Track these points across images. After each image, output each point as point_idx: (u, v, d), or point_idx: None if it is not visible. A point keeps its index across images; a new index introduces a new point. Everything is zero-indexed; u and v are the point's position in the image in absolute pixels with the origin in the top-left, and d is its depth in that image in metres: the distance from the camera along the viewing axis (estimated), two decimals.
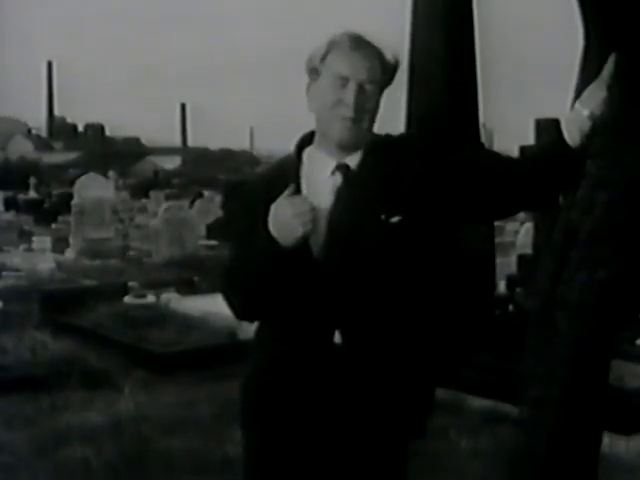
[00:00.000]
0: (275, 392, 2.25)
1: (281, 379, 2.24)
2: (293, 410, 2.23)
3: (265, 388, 2.27)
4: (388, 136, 2.30)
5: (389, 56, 2.23)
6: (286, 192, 2.14)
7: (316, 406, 2.20)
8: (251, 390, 2.32)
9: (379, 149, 2.23)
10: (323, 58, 2.21)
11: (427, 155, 2.22)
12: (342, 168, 2.22)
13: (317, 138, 2.27)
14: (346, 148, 2.21)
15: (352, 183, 2.20)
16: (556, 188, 2.23)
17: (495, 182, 2.20)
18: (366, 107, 2.19)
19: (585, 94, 2.15)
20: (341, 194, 2.20)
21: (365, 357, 2.18)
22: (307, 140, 2.28)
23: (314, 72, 2.23)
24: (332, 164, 2.22)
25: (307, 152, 2.28)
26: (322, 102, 2.21)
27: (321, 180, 2.22)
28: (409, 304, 2.23)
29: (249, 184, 2.39)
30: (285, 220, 2.11)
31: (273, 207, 2.13)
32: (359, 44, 2.20)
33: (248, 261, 2.21)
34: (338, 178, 2.22)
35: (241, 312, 2.33)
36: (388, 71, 2.24)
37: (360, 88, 2.17)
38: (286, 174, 2.24)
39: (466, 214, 2.30)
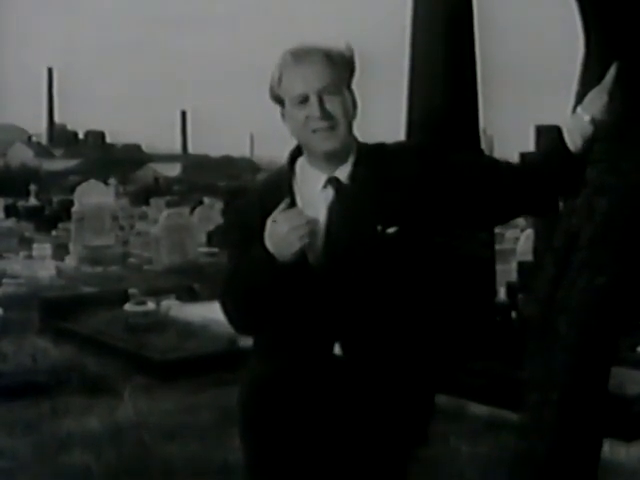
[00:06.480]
0: (275, 404, 2.24)
1: (281, 391, 2.23)
2: (293, 422, 2.23)
3: (264, 401, 2.26)
4: (381, 144, 2.27)
5: (337, 51, 2.20)
6: (281, 206, 2.13)
7: (317, 417, 2.20)
8: (250, 403, 2.31)
9: (371, 159, 2.22)
10: (279, 83, 2.20)
11: (423, 162, 2.20)
12: (333, 182, 2.20)
13: (305, 154, 2.25)
14: (333, 158, 2.20)
15: (344, 197, 2.19)
16: (556, 193, 2.22)
17: (494, 188, 2.19)
18: (335, 112, 2.16)
19: (587, 99, 2.15)
20: (334, 208, 2.19)
21: (365, 368, 2.18)
22: (298, 150, 2.27)
23: (278, 99, 2.23)
24: (323, 177, 2.21)
25: (299, 163, 2.27)
26: (295, 124, 2.20)
27: (314, 193, 2.21)
28: (409, 313, 2.23)
29: (244, 198, 2.37)
30: (281, 235, 2.10)
31: (269, 222, 2.12)
32: (302, 56, 2.17)
33: (246, 277, 2.20)
34: (330, 192, 2.20)
35: (240, 326, 2.33)
36: (342, 66, 2.20)
37: (321, 98, 2.15)
38: (280, 187, 2.23)
39: (464, 221, 2.30)
